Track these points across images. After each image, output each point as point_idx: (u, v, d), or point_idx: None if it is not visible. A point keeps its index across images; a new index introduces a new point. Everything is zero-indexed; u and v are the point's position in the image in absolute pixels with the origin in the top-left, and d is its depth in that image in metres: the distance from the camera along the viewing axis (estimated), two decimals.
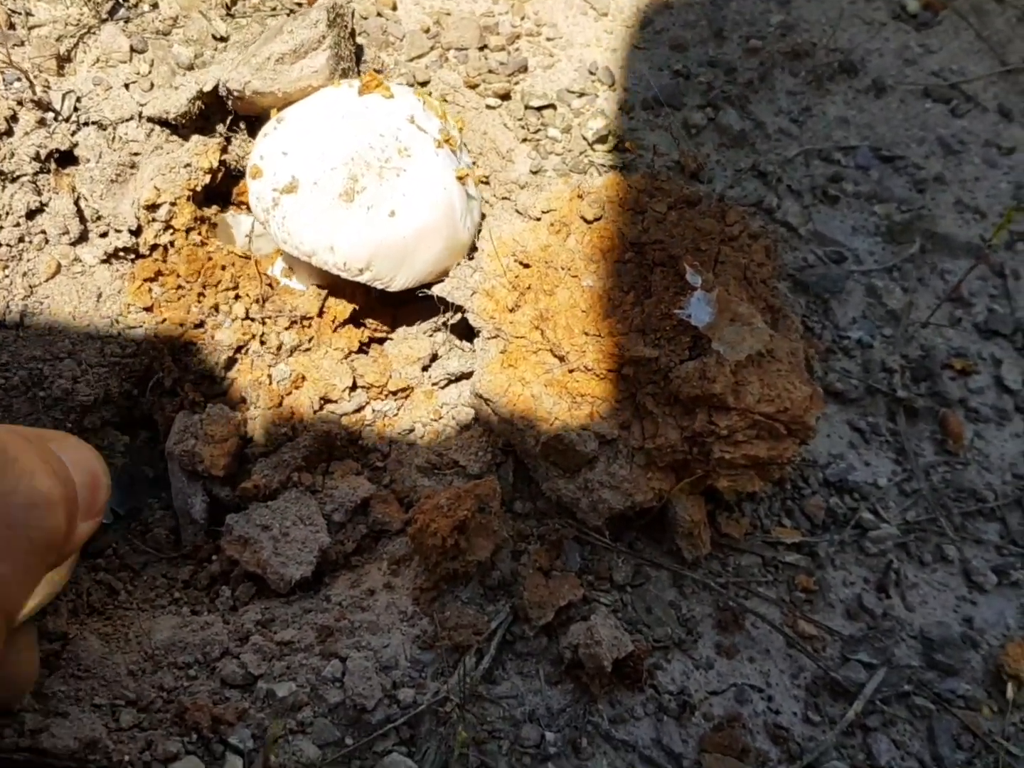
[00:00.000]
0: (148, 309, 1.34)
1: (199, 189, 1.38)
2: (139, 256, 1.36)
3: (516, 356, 1.25)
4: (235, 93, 1.36)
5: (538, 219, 1.33)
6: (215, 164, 1.38)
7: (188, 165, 1.36)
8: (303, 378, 1.32)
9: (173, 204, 1.35)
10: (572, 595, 1.21)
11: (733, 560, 1.33)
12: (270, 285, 1.38)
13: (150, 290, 1.34)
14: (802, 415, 1.19)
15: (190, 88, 1.37)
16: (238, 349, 1.34)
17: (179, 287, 1.34)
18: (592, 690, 1.17)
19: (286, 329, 1.35)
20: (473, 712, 1.13)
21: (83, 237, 1.33)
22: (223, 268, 1.36)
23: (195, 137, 1.39)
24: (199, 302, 1.34)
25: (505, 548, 1.23)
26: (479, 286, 1.30)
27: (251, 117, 1.45)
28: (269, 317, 1.35)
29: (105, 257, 1.33)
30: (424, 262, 1.33)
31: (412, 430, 1.35)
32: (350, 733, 1.07)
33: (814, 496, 1.39)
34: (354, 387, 1.35)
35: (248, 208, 1.48)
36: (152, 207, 1.34)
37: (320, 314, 1.36)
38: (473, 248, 1.38)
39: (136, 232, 1.35)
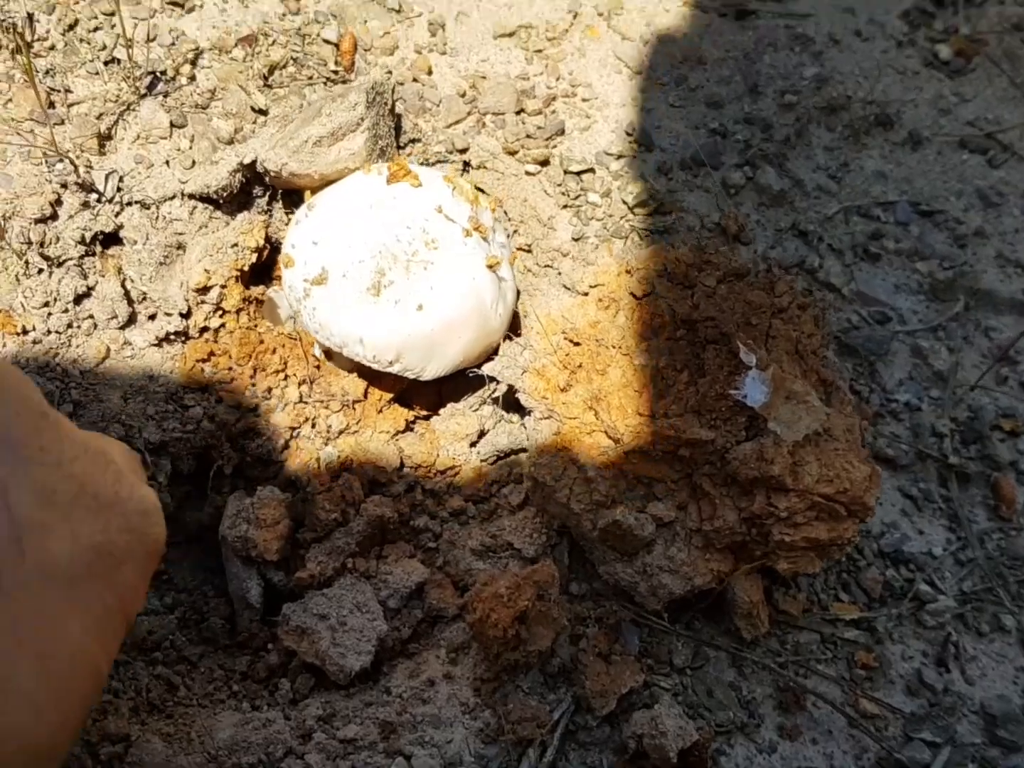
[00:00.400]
0: (203, 390, 1.32)
1: (247, 269, 1.36)
2: (189, 338, 1.34)
3: (570, 438, 1.23)
4: (272, 173, 1.35)
5: (586, 294, 1.31)
6: (261, 242, 1.37)
7: (235, 245, 1.35)
8: (351, 461, 1.31)
9: (223, 287, 1.34)
10: (633, 681, 1.20)
11: (792, 638, 1.31)
12: (317, 367, 1.37)
13: (203, 371, 1.32)
14: (862, 495, 1.17)
15: (230, 161, 1.36)
16: (291, 432, 1.33)
17: (230, 368, 1.33)
18: None
19: (335, 412, 1.34)
20: None
21: (131, 320, 1.31)
22: (273, 351, 1.35)
23: (240, 215, 1.38)
24: (252, 385, 1.33)
25: (564, 634, 1.21)
26: (529, 365, 1.28)
27: (290, 191, 1.44)
28: (320, 401, 1.33)
29: (156, 341, 1.31)
30: (454, 352, 1.32)
31: (463, 510, 1.34)
32: None
33: (870, 568, 1.37)
34: (402, 467, 1.33)
35: None
36: (202, 290, 1.33)
37: (365, 396, 1.35)
38: (516, 324, 1.36)
39: (186, 315, 1.33)
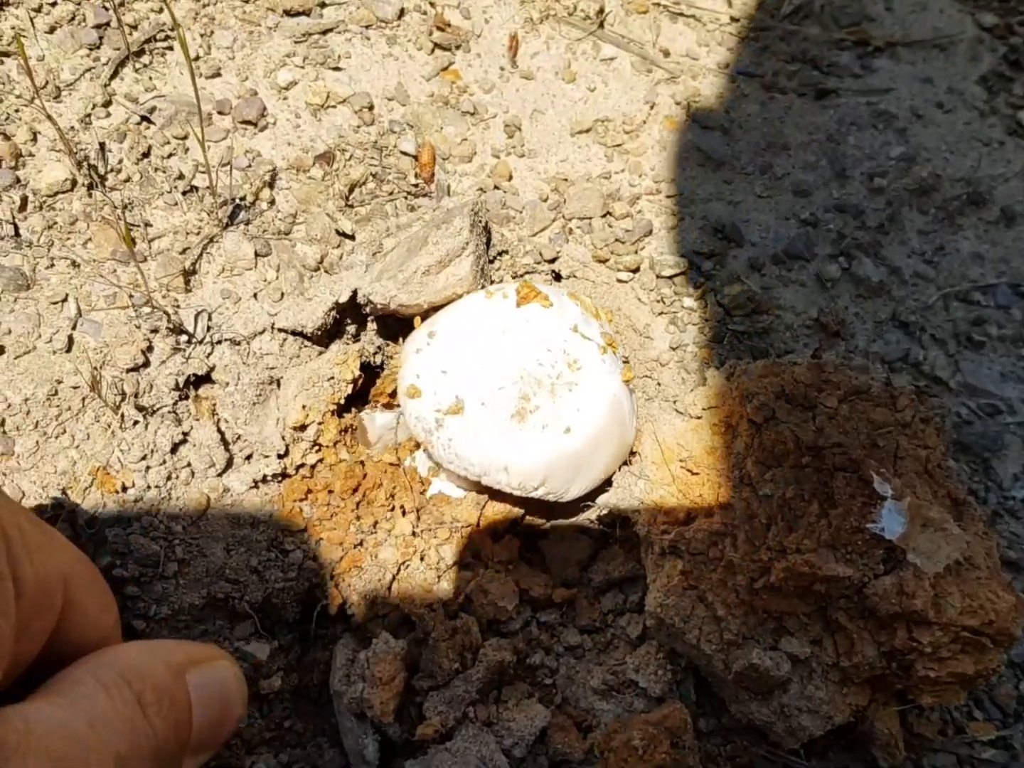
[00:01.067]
0: (303, 530, 1.29)
1: (343, 402, 1.33)
2: (286, 477, 1.31)
3: (696, 575, 1.19)
4: (379, 306, 1.32)
5: (699, 417, 1.27)
6: (356, 373, 1.34)
7: (331, 378, 1.32)
8: (470, 600, 1.26)
9: (320, 423, 1.30)
10: None
11: (928, 762, 1.26)
12: (422, 492, 1.33)
13: (301, 511, 1.29)
14: (1008, 626, 1.12)
15: (325, 300, 1.33)
16: (400, 568, 1.28)
17: (329, 504, 1.29)
18: None
19: (445, 541, 1.29)
20: None
21: (229, 464, 1.28)
22: (379, 484, 1.31)
23: (334, 346, 1.35)
24: (357, 519, 1.29)
25: None
26: (646, 496, 1.24)
27: (384, 316, 1.41)
28: (428, 530, 1.29)
29: (253, 483, 1.28)
30: (598, 470, 1.28)
31: (579, 644, 1.29)
32: None
33: (1003, 682, 1.31)
34: (519, 602, 1.29)
35: (382, 405, 1.43)
36: (300, 428, 1.30)
37: (478, 524, 1.31)
38: (631, 451, 1.32)
39: (283, 455, 1.30)
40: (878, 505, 1.13)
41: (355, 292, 1.34)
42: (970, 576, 1.13)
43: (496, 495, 1.33)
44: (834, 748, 1.24)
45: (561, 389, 1.23)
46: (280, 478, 1.31)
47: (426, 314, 1.34)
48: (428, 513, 1.32)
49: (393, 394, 1.41)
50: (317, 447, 1.32)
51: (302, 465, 1.32)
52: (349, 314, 1.39)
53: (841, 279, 1.54)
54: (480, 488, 1.32)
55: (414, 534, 1.30)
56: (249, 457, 1.29)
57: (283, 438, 1.30)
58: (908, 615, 1.10)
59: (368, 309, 1.36)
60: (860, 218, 1.60)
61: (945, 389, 1.50)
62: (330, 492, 1.30)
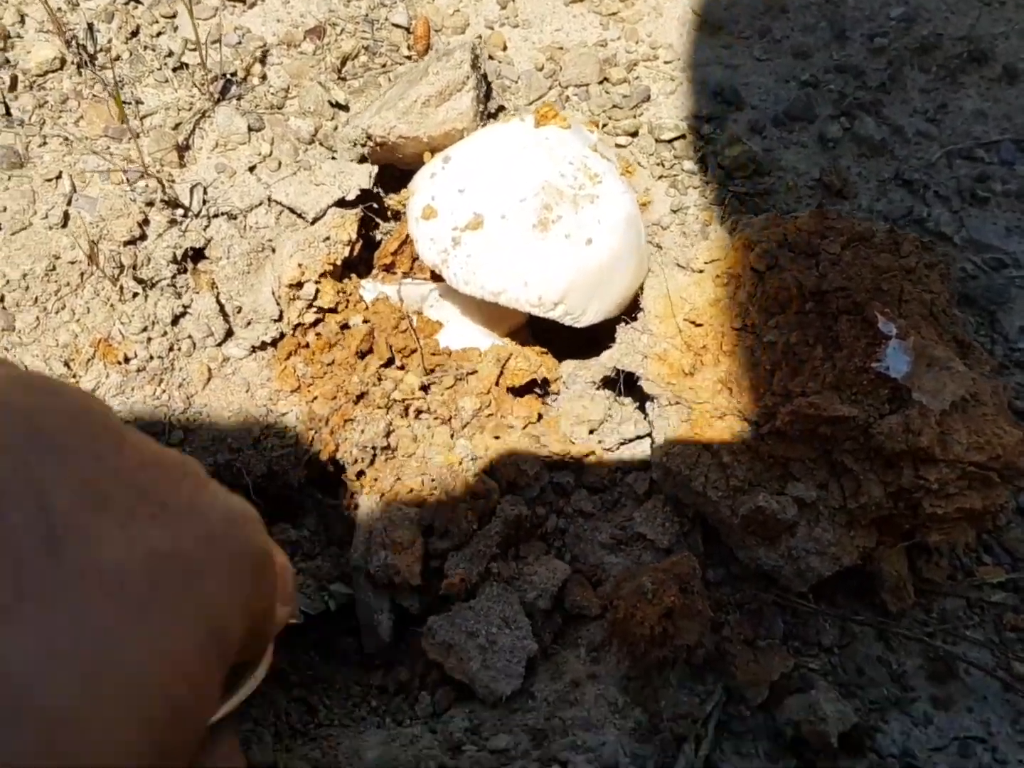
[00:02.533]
0: (296, 390, 1.28)
1: (339, 263, 1.32)
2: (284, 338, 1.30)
3: (701, 423, 1.19)
4: (378, 139, 1.30)
5: (701, 271, 1.26)
6: (354, 236, 1.32)
7: (327, 239, 1.30)
8: (491, 463, 1.26)
9: (316, 282, 1.29)
10: (783, 667, 1.16)
11: (937, 605, 1.26)
12: (434, 353, 1.32)
13: (295, 370, 1.28)
14: (1015, 460, 1.12)
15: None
16: (408, 419, 1.27)
17: (323, 361, 1.28)
18: (818, 765, 1.13)
19: (464, 396, 1.29)
20: None
21: (228, 334, 1.28)
22: (387, 342, 1.29)
23: (332, 210, 1.33)
24: (356, 373, 1.28)
25: (708, 623, 1.18)
26: (650, 350, 1.24)
27: (383, 167, 1.39)
28: (435, 382, 1.28)
29: (251, 350, 1.28)
30: (615, 293, 1.28)
31: (589, 502, 1.29)
32: None
33: (1011, 528, 1.32)
34: (540, 464, 1.28)
35: (402, 273, 1.42)
36: (295, 285, 1.28)
37: (497, 382, 1.30)
38: (631, 307, 1.31)
39: (279, 319, 1.29)
40: (882, 345, 1.13)
41: (363, 192, 1.33)
42: (976, 413, 1.13)
43: (515, 334, 1.33)
44: (843, 593, 1.25)
45: (583, 200, 1.22)
46: (277, 343, 1.30)
47: (434, 152, 1.32)
48: (442, 368, 1.30)
49: (396, 252, 1.40)
50: (315, 309, 1.30)
51: (299, 325, 1.30)
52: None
53: (843, 139, 1.53)
54: (494, 319, 1.31)
55: (424, 388, 1.29)
56: (248, 324, 1.29)
57: (277, 302, 1.29)
58: (914, 453, 1.10)
59: (368, 152, 1.34)
60: (861, 78, 1.58)
61: (950, 245, 1.48)
62: (329, 347, 1.29)
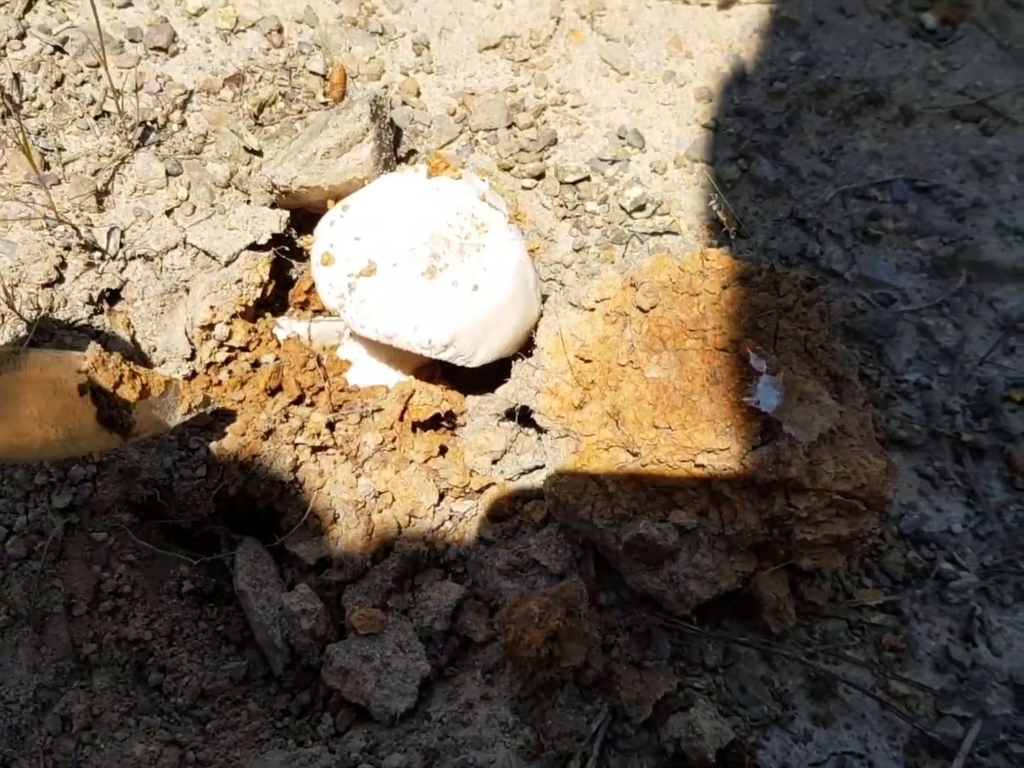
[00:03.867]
0: (207, 427, 1.34)
1: (251, 304, 1.38)
2: (195, 377, 1.36)
3: (588, 455, 1.25)
4: (281, 188, 1.36)
5: (592, 309, 1.33)
6: (266, 278, 1.38)
7: (239, 281, 1.36)
8: (392, 497, 1.32)
9: (228, 323, 1.35)
10: (667, 686, 1.22)
11: (819, 627, 1.33)
12: (342, 390, 1.38)
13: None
14: (880, 489, 1.19)
15: (244, 238, 1.37)
16: (314, 455, 1.34)
17: (233, 400, 1.34)
18: None
19: (368, 432, 1.35)
20: None
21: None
22: (296, 380, 1.35)
23: (245, 252, 1.39)
24: (265, 410, 1.34)
25: (596, 647, 1.24)
26: (542, 385, 1.30)
27: (294, 211, 1.45)
28: (341, 419, 1.34)
29: None
30: (504, 335, 1.34)
31: (489, 530, 1.36)
32: None
33: (892, 551, 1.39)
34: (438, 498, 1.35)
35: (305, 311, 1.48)
36: (208, 327, 1.34)
37: (401, 417, 1.36)
38: (532, 344, 1.37)
39: (191, 357, 1.35)
40: (754, 380, 1.20)
41: (275, 236, 1.39)
42: (843, 444, 1.20)
43: (421, 370, 1.40)
44: (728, 617, 1.31)
45: (470, 249, 1.29)
46: (190, 380, 1.36)
47: (336, 199, 1.38)
48: (348, 406, 1.36)
49: (310, 291, 1.46)
50: (227, 348, 1.36)
51: (211, 364, 1.36)
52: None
53: (741, 180, 1.60)
54: (399, 357, 1.37)
55: (330, 425, 1.35)
56: (163, 363, 1.35)
57: (190, 342, 1.35)
58: (784, 483, 1.17)
59: (275, 199, 1.40)
60: (760, 121, 1.66)
61: (841, 281, 1.56)
62: (240, 385, 1.35)
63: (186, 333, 1.35)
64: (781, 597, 1.28)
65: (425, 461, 1.36)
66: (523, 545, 1.33)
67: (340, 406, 1.36)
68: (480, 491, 1.37)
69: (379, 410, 1.35)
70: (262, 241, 1.37)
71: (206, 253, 1.38)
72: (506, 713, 1.21)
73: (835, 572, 1.38)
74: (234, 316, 1.36)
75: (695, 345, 1.24)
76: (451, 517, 1.36)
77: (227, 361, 1.36)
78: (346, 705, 1.23)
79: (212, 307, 1.34)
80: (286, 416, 1.33)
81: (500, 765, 1.16)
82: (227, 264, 1.37)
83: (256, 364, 1.37)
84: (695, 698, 1.23)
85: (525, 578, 1.31)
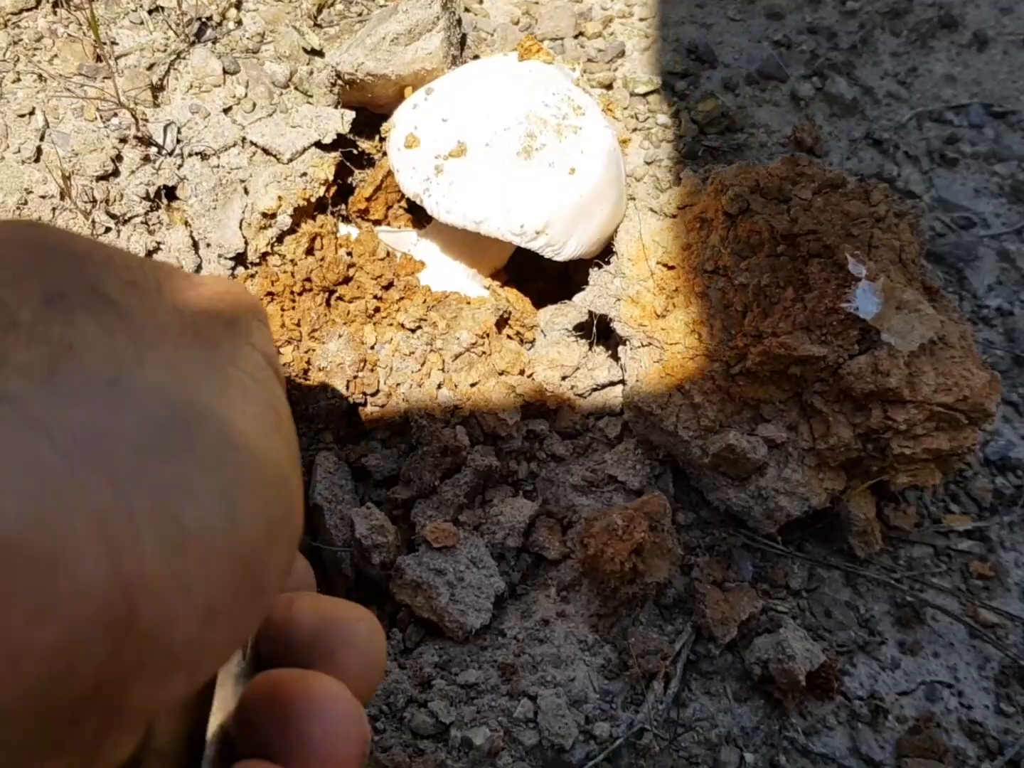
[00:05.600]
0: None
1: (313, 200, 1.31)
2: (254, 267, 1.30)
3: (673, 364, 1.20)
4: (346, 76, 1.30)
5: (674, 216, 1.27)
6: (330, 177, 1.32)
7: (304, 175, 1.30)
8: (470, 411, 1.26)
9: (291, 215, 1.28)
10: (752, 607, 1.17)
11: (904, 552, 1.28)
12: (424, 302, 1.30)
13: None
14: (982, 402, 1.13)
15: (308, 136, 1.30)
16: (391, 369, 1.27)
17: (296, 299, 1.27)
18: (785, 705, 1.13)
19: (462, 330, 1.27)
20: (668, 739, 1.09)
21: (198, 269, 1.27)
22: (371, 277, 1.28)
23: (311, 150, 1.32)
24: (329, 310, 1.27)
25: (677, 564, 1.19)
26: (622, 292, 1.24)
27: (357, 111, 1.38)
28: (431, 316, 1.27)
29: None
30: (595, 228, 1.27)
31: (562, 446, 1.30)
32: None
33: (978, 478, 1.33)
34: (518, 415, 1.27)
35: (369, 222, 1.42)
36: (269, 215, 1.28)
37: (498, 327, 1.30)
38: (609, 251, 1.31)
39: (243, 253, 1.29)
40: (852, 286, 1.14)
41: (339, 137, 1.32)
42: (944, 355, 1.14)
43: (494, 277, 1.33)
44: (811, 539, 1.26)
45: (567, 130, 1.22)
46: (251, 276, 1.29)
47: (398, 93, 1.32)
48: (437, 311, 1.29)
49: (371, 197, 1.39)
50: (283, 241, 1.29)
51: (267, 254, 1.29)
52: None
53: (815, 98, 1.54)
54: (475, 260, 1.30)
55: (414, 329, 1.27)
56: (218, 259, 1.28)
57: (244, 236, 1.28)
58: (883, 394, 1.11)
59: (338, 92, 1.34)
60: (833, 40, 1.60)
61: (919, 203, 1.50)
62: (305, 290, 1.28)
63: (240, 228, 1.28)
64: (869, 518, 1.22)
65: (501, 374, 1.29)
66: (597, 461, 1.28)
67: (430, 310, 1.28)
68: (552, 407, 1.30)
69: (474, 311, 1.28)
70: (327, 140, 1.31)
71: (266, 151, 1.31)
72: (584, 631, 1.15)
73: (920, 498, 1.32)
74: (297, 209, 1.29)
75: (786, 251, 1.18)
76: (524, 434, 1.29)
77: (287, 262, 1.29)
78: (414, 621, 1.18)
79: (279, 196, 1.27)
80: (364, 306, 1.26)
81: (580, 683, 1.11)
82: (289, 162, 1.30)
83: (310, 252, 1.30)
84: (782, 620, 1.18)
85: (600, 494, 1.25)
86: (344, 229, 1.37)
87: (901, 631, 1.22)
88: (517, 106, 1.22)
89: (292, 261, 1.28)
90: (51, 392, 0.35)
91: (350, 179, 1.43)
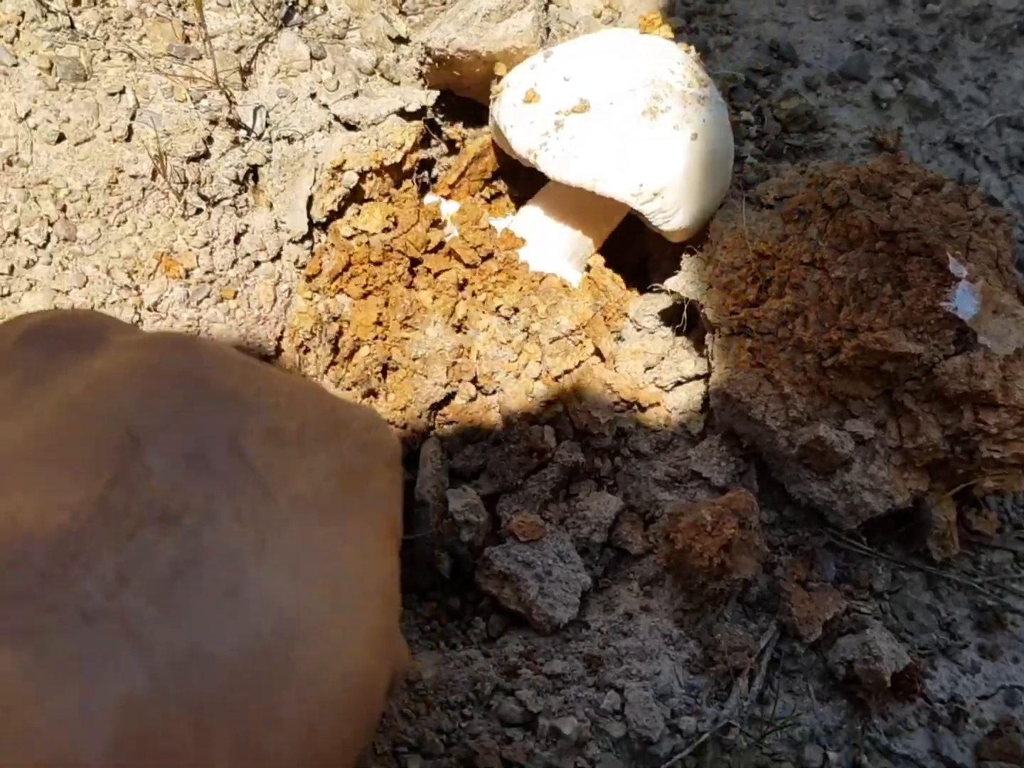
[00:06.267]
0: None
1: (386, 164, 1.30)
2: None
3: (764, 354, 1.19)
4: (436, 53, 1.29)
5: (771, 206, 1.27)
6: (409, 144, 1.31)
7: (379, 138, 1.29)
8: (563, 406, 1.25)
9: (361, 173, 1.28)
10: (836, 607, 1.17)
11: (984, 557, 1.27)
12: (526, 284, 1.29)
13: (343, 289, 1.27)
14: None
15: (391, 103, 1.30)
16: (492, 342, 1.26)
17: (376, 277, 1.26)
18: (868, 705, 1.13)
19: (562, 316, 1.26)
20: (755, 736, 1.08)
21: (278, 254, 1.27)
22: (471, 233, 1.27)
23: (392, 117, 1.31)
24: (416, 287, 1.26)
25: (763, 562, 1.18)
26: (715, 280, 1.23)
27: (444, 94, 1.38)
28: (530, 301, 1.26)
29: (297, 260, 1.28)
30: (706, 199, 1.26)
31: (646, 442, 1.29)
32: None
33: None
34: (611, 412, 1.27)
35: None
36: (337, 168, 1.27)
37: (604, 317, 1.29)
38: (697, 237, 1.30)
39: (310, 223, 1.29)
40: (952, 286, 1.13)
41: (423, 108, 1.32)
42: None
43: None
44: (891, 541, 1.25)
45: (691, 97, 1.21)
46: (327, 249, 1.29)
47: (486, 74, 1.32)
48: (539, 295, 1.27)
49: (455, 184, 1.39)
50: (355, 202, 1.30)
51: (335, 214, 1.29)
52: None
53: (896, 100, 1.53)
54: (579, 224, 1.29)
55: (507, 317, 1.26)
56: (288, 243, 1.29)
57: (309, 213, 1.28)
58: (975, 396, 1.11)
59: (427, 69, 1.34)
60: (913, 43, 1.59)
61: (1013, 212, 1.49)
62: (386, 259, 1.26)
63: (309, 206, 1.28)
64: (951, 522, 1.22)
65: (593, 364, 1.28)
66: (680, 457, 1.27)
67: (524, 296, 1.28)
68: (637, 401, 1.30)
69: (573, 302, 1.27)
70: (410, 108, 1.30)
71: (347, 125, 1.30)
72: (669, 625, 1.15)
73: (1001, 503, 1.32)
74: (370, 171, 1.28)
75: (885, 247, 1.18)
76: (612, 430, 1.28)
77: (359, 233, 1.28)
78: (498, 611, 1.17)
79: (344, 151, 1.27)
80: (434, 298, 1.26)
81: (666, 677, 1.10)
82: (369, 127, 1.30)
83: (395, 224, 1.28)
84: (867, 620, 1.17)
85: (684, 490, 1.25)
86: (433, 199, 1.36)
87: (981, 635, 1.22)
88: (644, 70, 1.21)
89: (365, 232, 1.27)
90: (164, 608, 0.36)
91: (435, 170, 1.42)
